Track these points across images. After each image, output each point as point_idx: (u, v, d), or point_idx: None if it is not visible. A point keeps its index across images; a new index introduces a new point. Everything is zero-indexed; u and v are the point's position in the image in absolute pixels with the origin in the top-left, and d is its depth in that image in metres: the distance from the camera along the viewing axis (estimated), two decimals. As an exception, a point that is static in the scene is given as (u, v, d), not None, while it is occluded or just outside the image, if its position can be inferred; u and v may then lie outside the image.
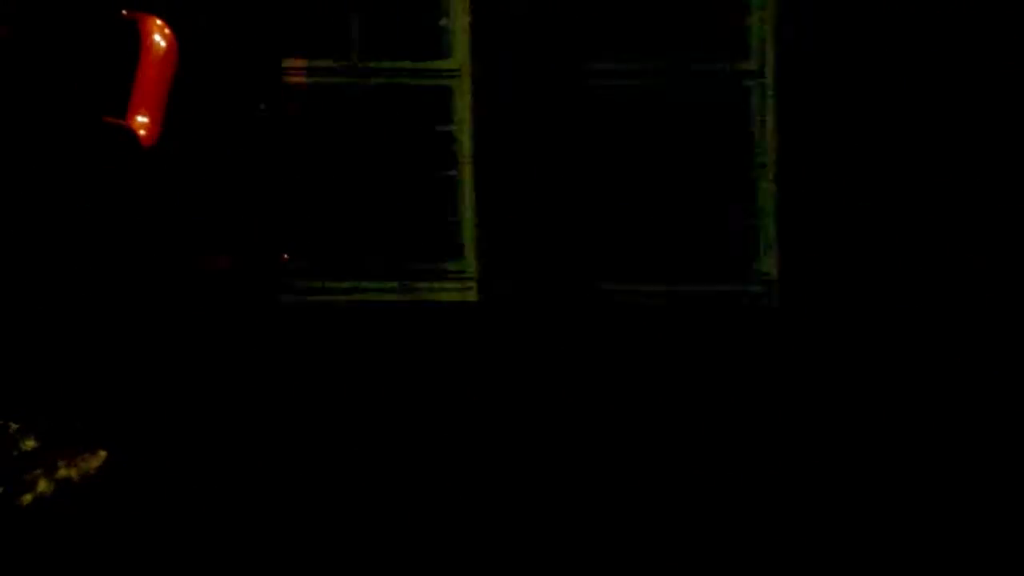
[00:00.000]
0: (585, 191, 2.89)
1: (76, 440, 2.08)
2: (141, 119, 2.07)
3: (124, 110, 2.05)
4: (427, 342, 2.81)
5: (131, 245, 2.27)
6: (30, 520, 1.95)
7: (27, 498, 1.97)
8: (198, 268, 2.46)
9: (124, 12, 2.03)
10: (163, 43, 2.07)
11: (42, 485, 1.99)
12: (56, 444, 2.06)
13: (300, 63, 2.88)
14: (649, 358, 2.78)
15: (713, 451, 2.59)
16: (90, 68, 2.03)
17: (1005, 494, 2.36)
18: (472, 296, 2.92)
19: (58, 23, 1.99)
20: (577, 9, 2.88)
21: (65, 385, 2.17)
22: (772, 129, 2.87)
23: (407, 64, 2.98)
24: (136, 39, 2.04)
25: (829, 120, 2.85)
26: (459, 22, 2.93)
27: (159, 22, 2.06)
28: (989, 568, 2.12)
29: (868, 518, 2.30)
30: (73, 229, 2.13)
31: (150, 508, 2.08)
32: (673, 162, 2.95)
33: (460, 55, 2.95)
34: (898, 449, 2.60)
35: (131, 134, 2.05)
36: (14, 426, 2.05)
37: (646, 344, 2.79)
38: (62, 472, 2.02)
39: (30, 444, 2.04)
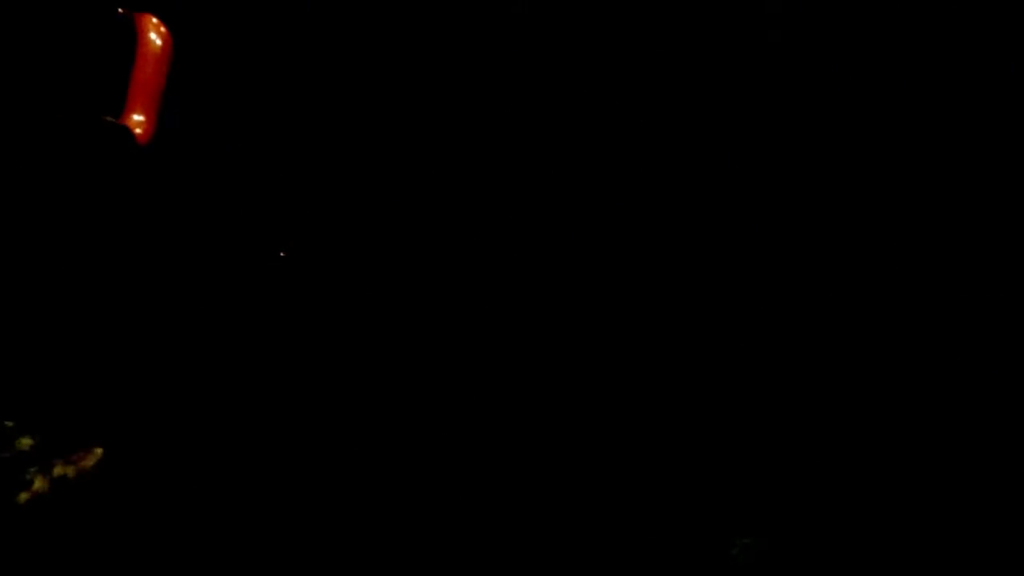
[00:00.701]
0: None
1: (73, 438, 2.08)
2: (137, 117, 2.07)
3: (120, 108, 2.06)
4: None
5: (136, 243, 2.26)
6: (26, 519, 1.95)
7: (23, 496, 1.96)
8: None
9: (120, 10, 2.04)
10: (159, 41, 2.08)
11: (38, 483, 1.98)
12: (53, 442, 2.05)
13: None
14: None
15: None
16: (86, 66, 2.04)
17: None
18: None
19: (55, 20, 2.00)
20: None
21: (62, 383, 2.16)
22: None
23: None
24: (132, 37, 2.05)
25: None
26: None
27: (155, 20, 2.07)
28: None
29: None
30: (70, 227, 2.13)
31: (148, 506, 2.08)
32: None
33: None
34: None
35: (127, 133, 2.06)
36: (9, 424, 2.05)
37: None
38: (58, 470, 2.01)
39: (26, 442, 2.04)
